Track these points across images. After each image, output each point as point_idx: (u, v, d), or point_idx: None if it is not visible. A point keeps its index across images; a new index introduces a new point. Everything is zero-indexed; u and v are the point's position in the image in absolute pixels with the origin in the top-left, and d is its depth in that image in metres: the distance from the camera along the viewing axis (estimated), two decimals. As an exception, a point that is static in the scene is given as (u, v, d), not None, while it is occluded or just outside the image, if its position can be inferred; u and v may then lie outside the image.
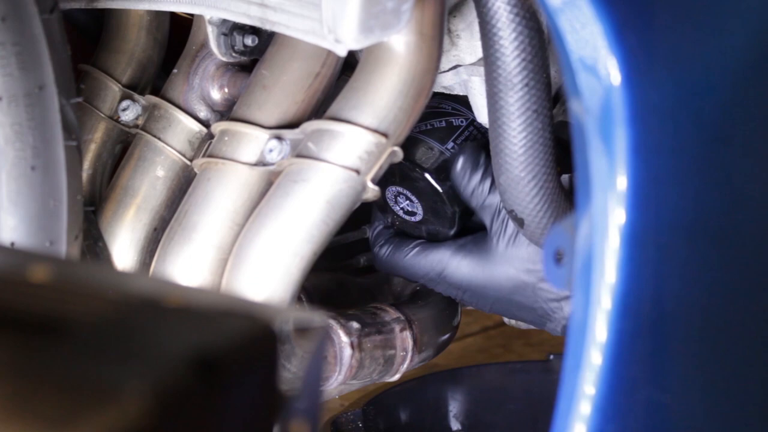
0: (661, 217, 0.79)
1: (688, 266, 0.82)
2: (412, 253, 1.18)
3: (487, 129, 1.16)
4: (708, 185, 0.82)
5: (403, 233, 1.20)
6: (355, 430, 1.36)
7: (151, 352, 0.49)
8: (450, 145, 1.15)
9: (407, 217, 1.19)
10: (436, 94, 1.16)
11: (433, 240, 1.19)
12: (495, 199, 1.11)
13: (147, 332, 0.51)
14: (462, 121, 1.17)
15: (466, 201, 1.13)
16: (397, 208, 1.19)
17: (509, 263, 1.12)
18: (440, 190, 1.15)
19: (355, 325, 1.15)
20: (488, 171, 1.11)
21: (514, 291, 1.12)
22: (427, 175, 1.14)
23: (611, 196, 0.78)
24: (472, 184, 1.11)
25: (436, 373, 1.46)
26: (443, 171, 1.14)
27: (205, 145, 1.13)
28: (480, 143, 1.14)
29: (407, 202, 1.17)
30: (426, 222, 1.18)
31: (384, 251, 1.20)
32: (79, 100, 1.04)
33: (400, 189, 1.17)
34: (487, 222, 1.12)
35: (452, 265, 1.15)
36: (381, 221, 1.23)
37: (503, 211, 1.10)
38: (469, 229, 1.17)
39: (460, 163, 1.12)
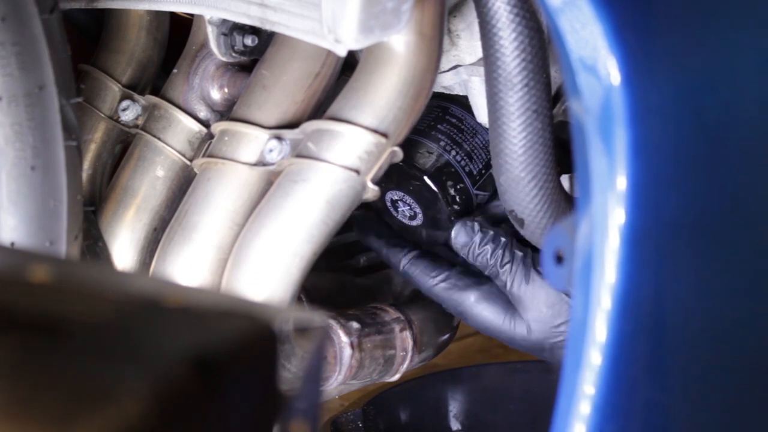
0: (661, 217, 0.79)
1: (688, 266, 0.82)
2: (438, 287, 1.17)
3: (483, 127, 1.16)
4: (708, 185, 0.82)
5: (433, 254, 1.20)
6: (355, 430, 1.36)
7: (150, 352, 0.49)
8: (451, 150, 1.15)
9: (407, 222, 1.19)
10: (435, 95, 1.16)
11: (433, 243, 1.19)
12: (496, 264, 1.11)
13: (147, 332, 0.51)
14: (467, 127, 1.16)
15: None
16: (396, 213, 1.19)
17: (526, 326, 1.12)
18: (438, 193, 1.14)
19: (355, 325, 1.15)
20: (484, 240, 1.12)
21: (531, 349, 1.14)
22: (425, 178, 1.14)
23: (611, 196, 0.78)
24: (471, 257, 1.13)
25: (436, 373, 1.46)
26: (441, 173, 1.14)
27: (205, 145, 1.13)
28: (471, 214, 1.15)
29: (407, 206, 1.17)
30: (426, 225, 1.18)
31: (412, 272, 1.18)
32: (79, 100, 1.04)
33: (399, 193, 1.17)
34: (500, 286, 1.13)
35: (473, 311, 1.15)
36: (390, 245, 1.21)
37: (512, 274, 1.11)
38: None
39: (452, 240, 1.13)
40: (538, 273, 1.10)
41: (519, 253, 1.11)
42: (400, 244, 1.20)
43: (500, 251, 1.11)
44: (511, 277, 1.11)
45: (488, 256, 1.12)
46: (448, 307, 1.16)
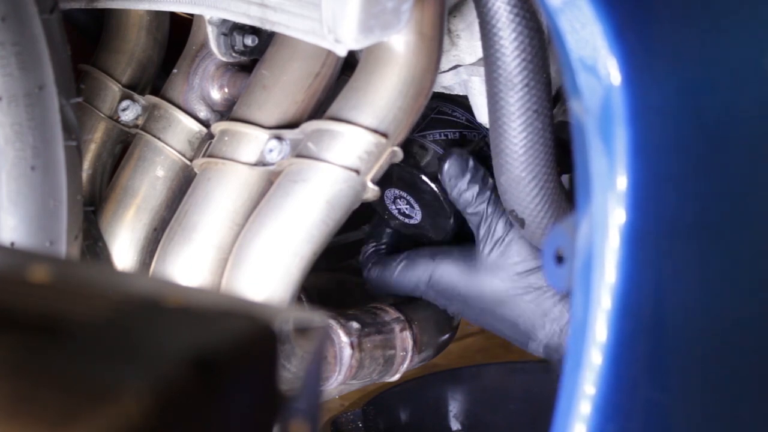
0: (661, 217, 0.79)
1: (688, 266, 0.82)
2: (399, 268, 1.16)
3: (480, 128, 1.16)
4: (708, 185, 0.82)
5: (391, 251, 1.20)
6: (355, 430, 1.36)
7: (150, 352, 0.49)
8: (443, 143, 1.15)
9: (406, 220, 1.19)
10: (434, 95, 1.16)
11: (434, 242, 1.19)
12: (480, 206, 1.10)
13: (147, 332, 0.51)
14: (474, 135, 1.16)
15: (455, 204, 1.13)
16: (395, 212, 1.19)
17: (494, 273, 1.11)
18: (437, 191, 1.14)
19: (355, 325, 1.15)
20: (475, 177, 1.10)
21: (497, 303, 1.11)
22: (423, 177, 1.14)
23: (611, 196, 0.78)
24: (456, 191, 1.11)
25: (436, 373, 1.46)
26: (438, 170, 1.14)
27: (205, 145, 1.13)
28: (470, 148, 1.14)
29: (406, 205, 1.17)
30: (425, 223, 1.18)
31: (374, 274, 1.19)
32: (79, 100, 1.04)
33: (398, 191, 1.17)
34: (474, 228, 1.11)
35: (438, 271, 1.14)
36: (371, 243, 1.22)
37: (489, 218, 1.10)
38: (467, 228, 1.17)
39: (444, 169, 1.11)
40: (512, 225, 1.09)
41: (500, 210, 1.09)
42: (370, 255, 1.21)
43: (488, 192, 1.09)
44: (496, 219, 1.09)
45: (475, 194, 1.10)
46: (419, 285, 1.15)
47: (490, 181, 1.09)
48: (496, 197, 1.09)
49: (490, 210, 1.09)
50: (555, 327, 1.09)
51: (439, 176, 1.11)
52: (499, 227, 1.09)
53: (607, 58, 0.77)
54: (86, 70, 1.25)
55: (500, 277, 1.10)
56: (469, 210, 1.10)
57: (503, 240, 1.09)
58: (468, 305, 1.13)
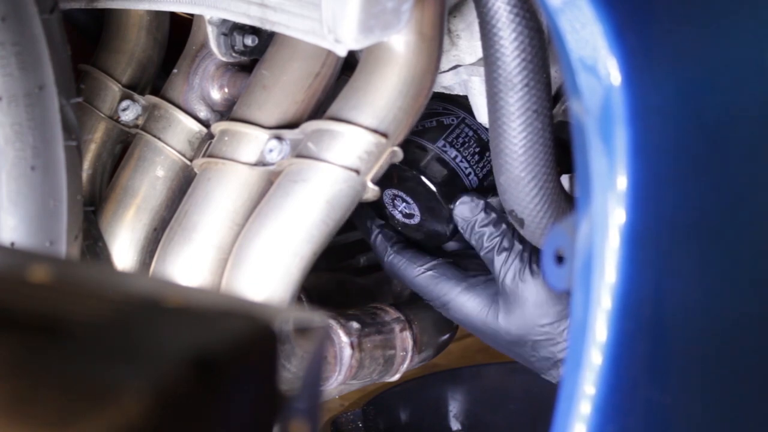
0: (661, 217, 0.79)
1: (688, 266, 0.82)
2: (424, 276, 1.16)
3: (477, 125, 1.16)
4: (708, 185, 0.82)
5: (416, 244, 1.20)
6: (355, 430, 1.36)
7: (150, 352, 0.49)
8: (441, 143, 1.15)
9: (406, 220, 1.19)
10: (432, 95, 1.16)
11: (434, 242, 1.19)
12: (493, 249, 1.11)
13: (147, 332, 0.51)
14: (452, 119, 1.16)
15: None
16: (395, 212, 1.19)
17: (511, 318, 1.11)
18: (434, 190, 1.14)
19: (355, 325, 1.15)
20: (486, 221, 1.11)
21: (512, 344, 1.13)
22: (422, 176, 1.14)
23: (611, 196, 0.78)
24: (469, 234, 1.12)
25: (436, 373, 1.46)
26: (437, 170, 1.14)
27: (205, 145, 1.13)
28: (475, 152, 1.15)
29: (404, 204, 1.17)
30: (424, 223, 1.18)
31: (397, 262, 1.18)
32: (79, 100, 1.04)
33: (396, 191, 1.17)
34: (491, 270, 1.12)
35: (458, 301, 1.14)
36: (375, 223, 1.21)
37: (509, 262, 1.10)
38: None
39: (456, 214, 1.12)
40: (532, 271, 1.10)
41: (518, 245, 1.10)
42: (389, 235, 1.20)
43: (499, 237, 1.10)
44: (506, 267, 1.10)
45: (485, 237, 1.11)
46: (432, 299, 1.16)
47: (503, 226, 1.10)
48: (510, 240, 1.10)
49: (504, 256, 1.10)
50: None
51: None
52: (516, 274, 1.10)
53: (607, 59, 0.77)
54: (86, 70, 1.25)
55: (515, 324, 1.11)
56: (484, 253, 1.12)
57: (517, 292, 1.10)
58: (482, 337, 1.15)
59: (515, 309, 1.11)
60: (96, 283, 0.55)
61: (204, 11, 1.06)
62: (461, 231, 1.13)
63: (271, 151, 1.05)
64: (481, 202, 1.12)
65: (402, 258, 1.18)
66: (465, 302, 1.14)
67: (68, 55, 1.01)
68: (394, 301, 1.26)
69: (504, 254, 1.10)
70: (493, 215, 1.11)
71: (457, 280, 1.15)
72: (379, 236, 1.20)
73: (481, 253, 1.12)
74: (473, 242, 1.12)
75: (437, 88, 1.14)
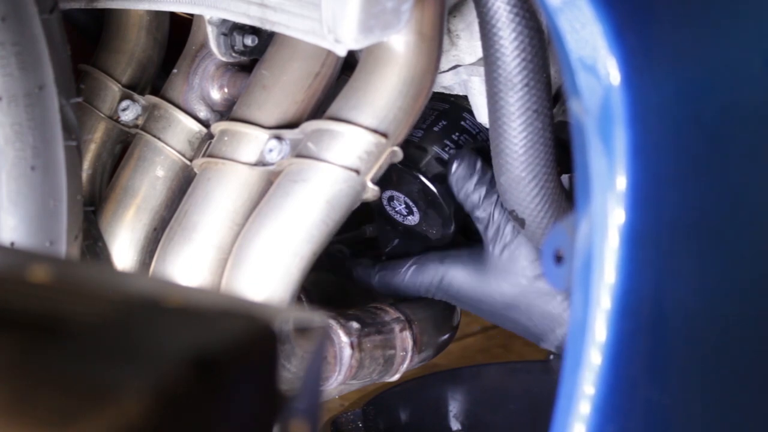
0: (661, 217, 0.79)
1: (688, 266, 0.82)
2: (409, 272, 1.16)
3: (479, 127, 1.16)
4: (708, 185, 0.82)
5: (391, 256, 1.20)
6: (355, 430, 1.36)
7: (150, 352, 0.49)
8: (441, 143, 1.15)
9: (404, 220, 1.19)
10: (432, 95, 1.16)
11: (434, 241, 1.19)
12: (488, 209, 1.10)
13: (147, 332, 0.51)
14: (452, 119, 1.16)
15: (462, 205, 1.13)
16: (394, 212, 1.19)
17: (503, 277, 1.11)
18: (435, 191, 1.14)
19: (355, 325, 1.15)
20: (483, 179, 1.10)
21: (508, 307, 1.11)
22: (421, 177, 1.14)
23: (611, 196, 0.78)
24: (464, 192, 1.11)
25: (436, 373, 1.46)
26: (437, 171, 1.14)
27: (205, 145, 1.13)
28: (477, 148, 1.14)
29: (403, 205, 1.17)
30: (425, 223, 1.18)
31: (383, 276, 1.18)
32: (79, 100, 1.04)
33: (396, 192, 1.17)
34: (481, 231, 1.11)
35: (448, 275, 1.14)
36: (352, 262, 1.21)
37: (497, 221, 1.10)
38: (468, 227, 1.17)
39: (453, 169, 1.11)
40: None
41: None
42: (367, 262, 1.20)
43: (496, 196, 1.09)
44: (504, 223, 1.09)
45: (482, 196, 1.10)
46: (427, 290, 1.15)
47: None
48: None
49: (497, 213, 1.09)
50: (564, 331, 1.09)
51: (447, 176, 1.12)
52: (508, 231, 1.09)
53: (606, 58, 0.77)
54: (86, 70, 1.25)
55: (510, 281, 1.10)
56: (477, 213, 1.10)
57: (512, 244, 1.09)
58: (479, 308, 1.14)
59: (508, 267, 1.10)
60: (96, 283, 0.55)
61: (204, 11, 1.06)
62: (453, 189, 1.11)
63: (271, 151, 1.05)
64: (479, 160, 1.10)
65: (385, 270, 1.18)
66: (455, 275, 1.14)
67: (68, 55, 1.01)
68: (394, 301, 1.26)
69: (498, 212, 1.09)
70: (489, 174, 1.09)
71: (439, 259, 1.15)
72: (358, 268, 1.20)
73: (474, 213, 1.11)
74: (466, 202, 1.10)
75: (437, 88, 1.14)
